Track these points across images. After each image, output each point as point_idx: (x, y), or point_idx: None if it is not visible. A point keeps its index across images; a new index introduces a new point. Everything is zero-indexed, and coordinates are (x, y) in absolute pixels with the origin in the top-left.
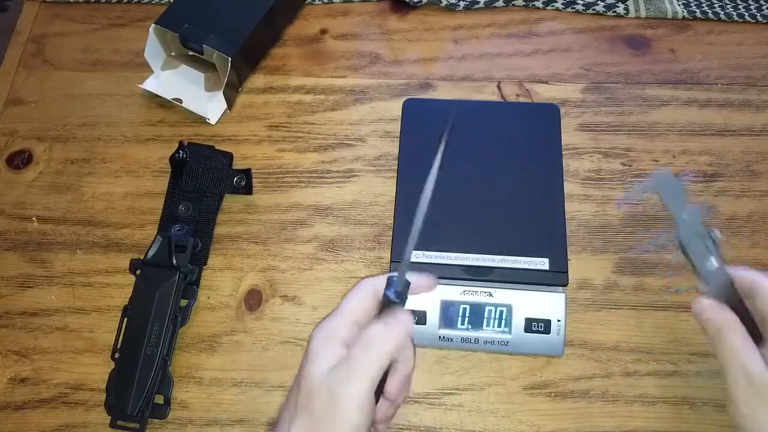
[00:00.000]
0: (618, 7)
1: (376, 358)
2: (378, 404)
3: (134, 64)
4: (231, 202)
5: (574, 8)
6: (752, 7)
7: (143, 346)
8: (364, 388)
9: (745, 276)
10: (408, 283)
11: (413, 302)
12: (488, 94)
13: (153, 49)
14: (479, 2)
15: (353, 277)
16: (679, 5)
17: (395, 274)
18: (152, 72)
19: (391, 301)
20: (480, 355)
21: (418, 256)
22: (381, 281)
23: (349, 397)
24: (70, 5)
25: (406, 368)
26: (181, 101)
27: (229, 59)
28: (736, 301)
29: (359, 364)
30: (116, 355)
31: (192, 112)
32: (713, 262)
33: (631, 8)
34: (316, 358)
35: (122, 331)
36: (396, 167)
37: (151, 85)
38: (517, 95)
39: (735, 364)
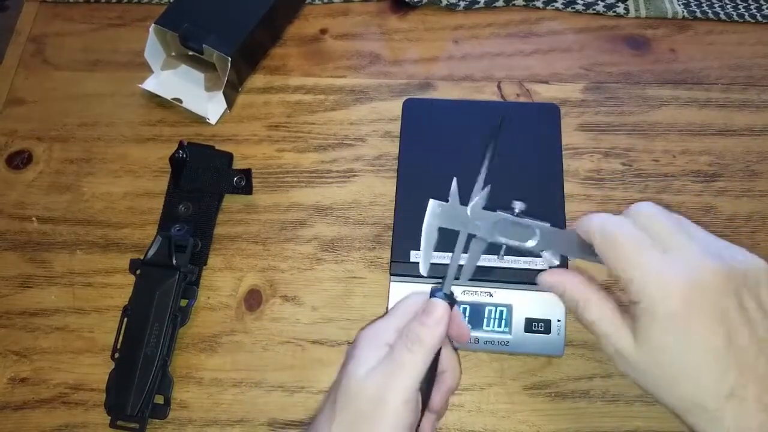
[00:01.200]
0: (618, 6)
1: (419, 353)
2: (422, 419)
3: (134, 64)
4: (231, 202)
5: (574, 8)
6: (752, 7)
7: (143, 346)
8: (409, 384)
9: (581, 225)
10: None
11: None
12: (488, 94)
13: (153, 48)
14: (479, 2)
15: (353, 277)
16: (679, 5)
17: (440, 286)
18: (152, 72)
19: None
20: (480, 355)
21: (417, 256)
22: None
23: (395, 393)
24: (69, 5)
25: (453, 380)
26: (181, 101)
27: (229, 59)
28: (590, 252)
29: (402, 360)
30: (116, 355)
31: (192, 112)
32: (532, 240)
33: (631, 8)
34: (360, 358)
35: (122, 331)
36: (396, 167)
37: (151, 84)
38: (518, 95)
39: (604, 343)
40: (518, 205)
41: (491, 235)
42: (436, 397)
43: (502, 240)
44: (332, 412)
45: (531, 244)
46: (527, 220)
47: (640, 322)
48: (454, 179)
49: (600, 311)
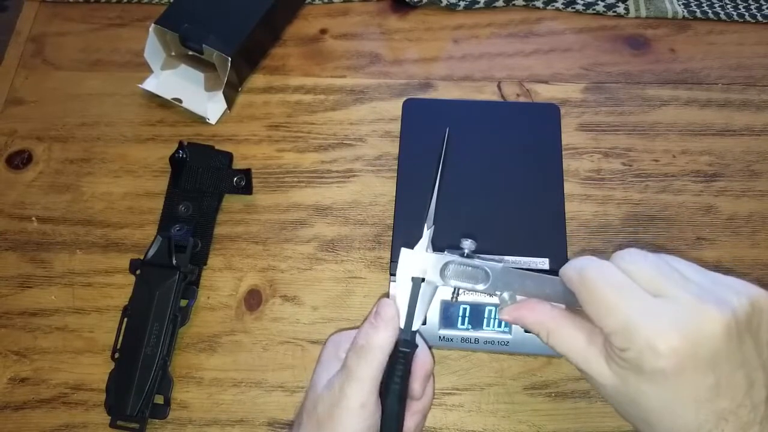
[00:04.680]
0: (618, 6)
1: (369, 359)
2: (407, 415)
3: (134, 64)
4: (231, 202)
5: (574, 8)
6: (752, 7)
7: (143, 346)
8: (362, 388)
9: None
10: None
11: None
12: (488, 93)
13: (153, 48)
14: (479, 2)
15: (353, 277)
16: (679, 5)
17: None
18: (152, 72)
19: (404, 343)
20: (480, 355)
21: None
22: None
23: (348, 398)
24: (69, 5)
25: (425, 365)
26: (180, 101)
27: (229, 59)
28: (556, 295)
29: (353, 366)
30: (116, 356)
31: (192, 112)
32: (482, 284)
33: (632, 8)
34: (323, 365)
35: (122, 332)
36: (396, 167)
37: (150, 85)
38: (518, 95)
39: (582, 371)
40: (467, 244)
41: (440, 279)
42: (410, 421)
43: (453, 283)
44: (300, 421)
45: (481, 287)
46: (477, 261)
47: (623, 365)
48: (425, 226)
49: (568, 343)
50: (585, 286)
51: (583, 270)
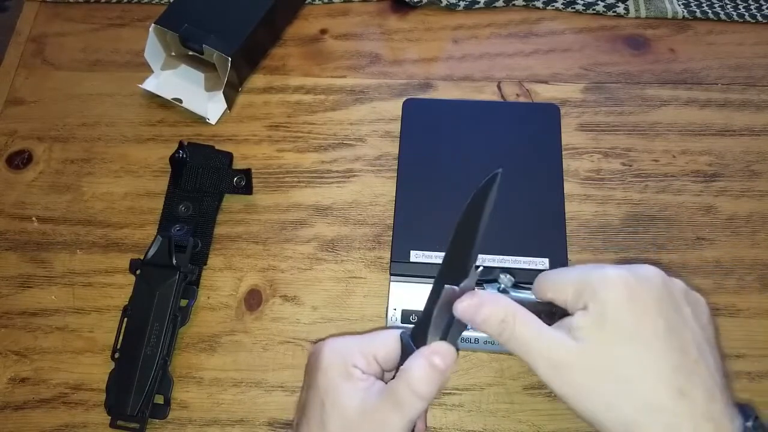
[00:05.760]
0: (618, 6)
1: (423, 397)
2: None
3: (134, 64)
4: (231, 202)
5: (574, 8)
6: (752, 7)
7: (143, 346)
8: (410, 423)
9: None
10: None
11: (413, 303)
12: (488, 94)
13: (153, 49)
14: (479, 2)
15: (353, 277)
16: (679, 5)
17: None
18: (152, 72)
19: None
20: (480, 355)
21: (417, 256)
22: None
23: (396, 428)
24: (70, 5)
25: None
26: (181, 101)
27: (229, 59)
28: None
29: (410, 406)
30: (116, 355)
31: (192, 112)
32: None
33: (631, 8)
34: (338, 386)
35: (122, 331)
36: (396, 167)
37: (151, 85)
38: (517, 95)
39: (540, 361)
40: (505, 281)
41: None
42: (419, 422)
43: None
44: None
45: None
46: (512, 294)
47: (582, 320)
48: (472, 269)
49: (534, 324)
50: (539, 280)
51: (539, 276)
